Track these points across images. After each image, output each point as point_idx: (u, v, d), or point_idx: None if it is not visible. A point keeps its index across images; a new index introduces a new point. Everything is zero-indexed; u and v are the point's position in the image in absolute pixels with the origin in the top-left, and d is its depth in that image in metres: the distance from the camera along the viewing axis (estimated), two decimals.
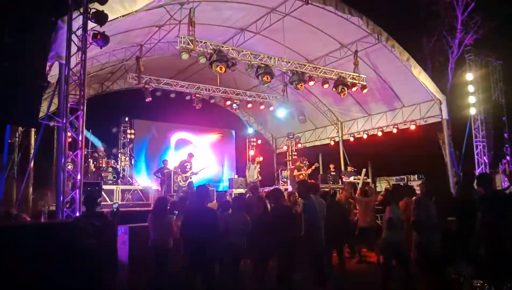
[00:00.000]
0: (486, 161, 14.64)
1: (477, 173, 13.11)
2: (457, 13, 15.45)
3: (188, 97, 16.25)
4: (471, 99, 14.81)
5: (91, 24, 8.05)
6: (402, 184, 15.45)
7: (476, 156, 14.79)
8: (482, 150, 14.74)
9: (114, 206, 9.10)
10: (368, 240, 9.70)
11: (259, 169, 15.41)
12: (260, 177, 15.40)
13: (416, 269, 6.24)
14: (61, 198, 7.35)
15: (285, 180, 17.38)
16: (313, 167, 16.25)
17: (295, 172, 15.86)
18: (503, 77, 15.14)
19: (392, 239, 6.39)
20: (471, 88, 14.78)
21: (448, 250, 6.03)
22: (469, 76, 14.84)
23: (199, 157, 18.33)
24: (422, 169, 16.16)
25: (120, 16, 8.83)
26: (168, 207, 7.27)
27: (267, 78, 12.44)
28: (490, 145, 14.71)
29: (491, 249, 5.47)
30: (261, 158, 16.23)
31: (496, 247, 5.40)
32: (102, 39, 8.39)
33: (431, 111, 15.32)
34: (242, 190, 15.71)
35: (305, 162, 16.56)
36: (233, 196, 13.82)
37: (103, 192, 10.88)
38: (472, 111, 14.86)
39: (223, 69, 11.37)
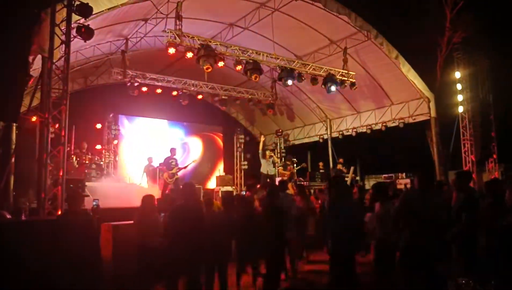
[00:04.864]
0: (473, 159, 14.68)
1: None
2: (446, 11, 15.44)
3: (174, 93, 16.02)
4: (459, 97, 14.86)
5: (75, 17, 7.87)
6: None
7: (463, 154, 14.83)
8: (469, 148, 14.77)
9: (94, 203, 8.87)
10: None
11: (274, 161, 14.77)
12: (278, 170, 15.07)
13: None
14: (43, 195, 7.16)
15: None
16: (300, 166, 16.15)
17: (281, 170, 15.54)
18: (491, 75, 15.18)
19: None
20: (459, 86, 14.84)
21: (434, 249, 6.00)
22: (457, 74, 14.90)
23: (186, 153, 18.20)
24: (411, 167, 16.18)
25: (106, 10, 8.65)
26: (155, 205, 7.09)
27: (256, 78, 12.31)
28: (478, 144, 14.75)
29: (467, 247, 5.62)
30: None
31: (471, 246, 5.58)
32: (86, 32, 8.23)
33: (419, 109, 15.38)
34: (229, 188, 15.56)
35: (293, 159, 16.48)
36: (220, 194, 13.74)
37: (86, 189, 10.65)
38: (460, 109, 14.90)
39: (210, 69, 11.24)
